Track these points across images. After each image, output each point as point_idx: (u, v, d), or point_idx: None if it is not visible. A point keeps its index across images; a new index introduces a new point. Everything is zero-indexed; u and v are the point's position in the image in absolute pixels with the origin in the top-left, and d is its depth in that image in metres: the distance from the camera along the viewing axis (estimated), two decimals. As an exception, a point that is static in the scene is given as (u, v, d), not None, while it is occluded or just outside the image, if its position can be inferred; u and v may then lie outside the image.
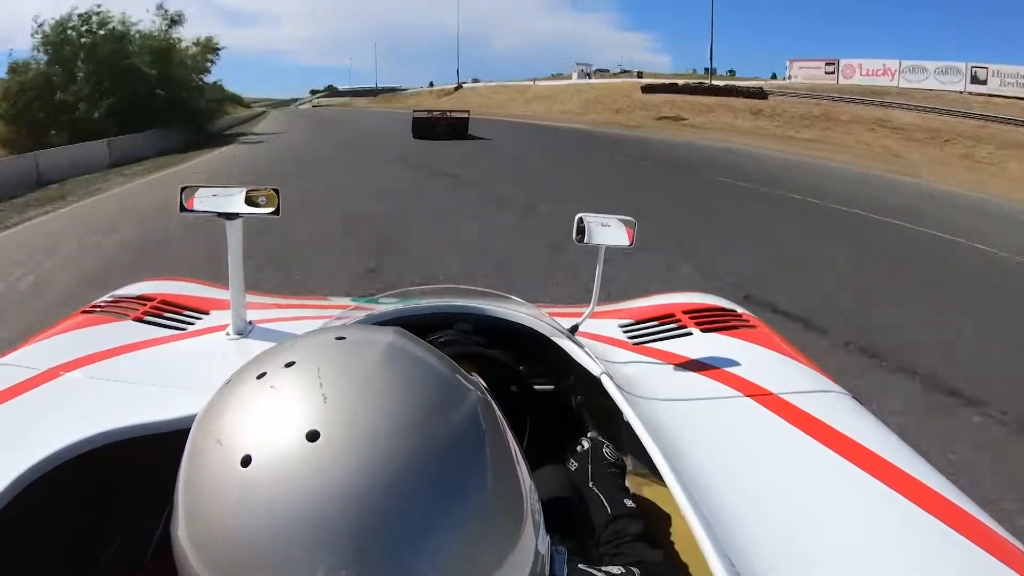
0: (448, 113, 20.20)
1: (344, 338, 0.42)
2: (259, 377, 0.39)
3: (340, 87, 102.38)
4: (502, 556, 0.39)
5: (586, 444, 0.85)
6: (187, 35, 24.54)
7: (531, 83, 42.69)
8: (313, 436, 0.35)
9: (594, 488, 0.78)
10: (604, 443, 0.85)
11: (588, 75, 43.73)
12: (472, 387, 0.43)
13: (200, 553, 0.36)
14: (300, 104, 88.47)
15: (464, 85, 50.97)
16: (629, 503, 0.75)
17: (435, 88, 55.91)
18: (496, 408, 0.45)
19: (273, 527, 0.34)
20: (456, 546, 0.36)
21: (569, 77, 44.12)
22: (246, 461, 0.35)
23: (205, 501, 0.36)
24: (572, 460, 0.84)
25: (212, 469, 0.37)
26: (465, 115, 19.36)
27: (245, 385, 0.39)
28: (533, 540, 0.42)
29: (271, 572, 0.34)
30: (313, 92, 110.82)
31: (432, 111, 21.01)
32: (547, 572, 0.45)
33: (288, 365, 0.39)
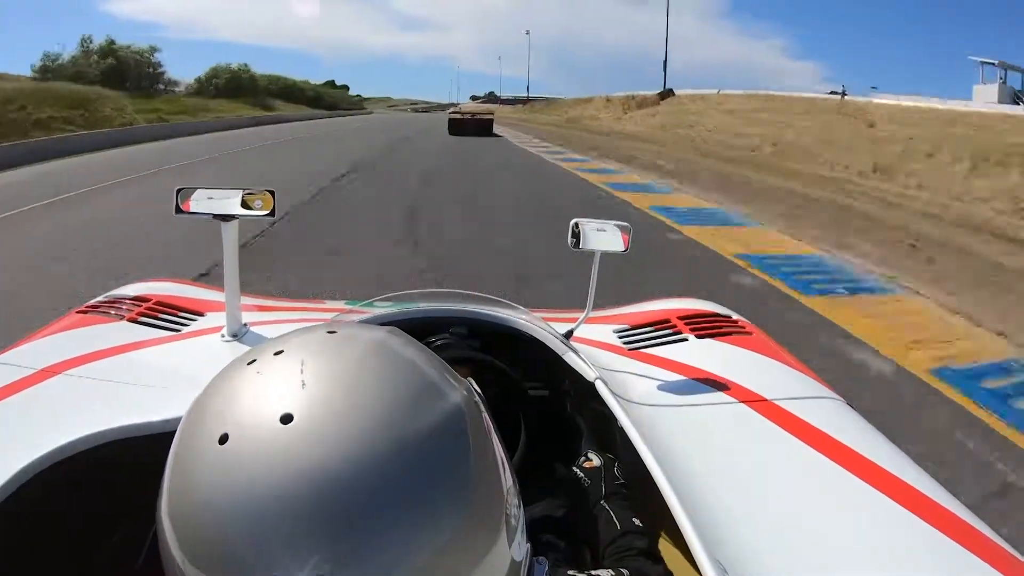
0: (475, 116, 24.77)
1: (335, 332, 0.43)
2: (249, 364, 0.41)
3: (500, 95, 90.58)
4: (471, 557, 0.39)
5: (597, 461, 0.83)
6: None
7: (840, 96, 17.83)
8: (287, 419, 0.36)
9: (605, 504, 0.78)
10: (615, 461, 0.84)
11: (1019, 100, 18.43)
12: (458, 387, 0.43)
13: (175, 527, 0.37)
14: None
15: (675, 92, 27.32)
16: (637, 522, 0.74)
17: (620, 96, 31.94)
18: (483, 412, 0.45)
19: (241, 503, 0.35)
20: (423, 540, 0.36)
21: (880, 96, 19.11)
22: (223, 439, 0.37)
23: (184, 477, 0.38)
24: (584, 476, 0.83)
25: (194, 446, 0.38)
26: (490, 117, 24.03)
27: (236, 371, 0.41)
28: (507, 546, 0.42)
29: (236, 547, 0.35)
30: (473, 98, 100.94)
31: (464, 113, 26.16)
32: None
33: (277, 354, 0.41)
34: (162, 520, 0.38)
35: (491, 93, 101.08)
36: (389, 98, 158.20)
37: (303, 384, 0.38)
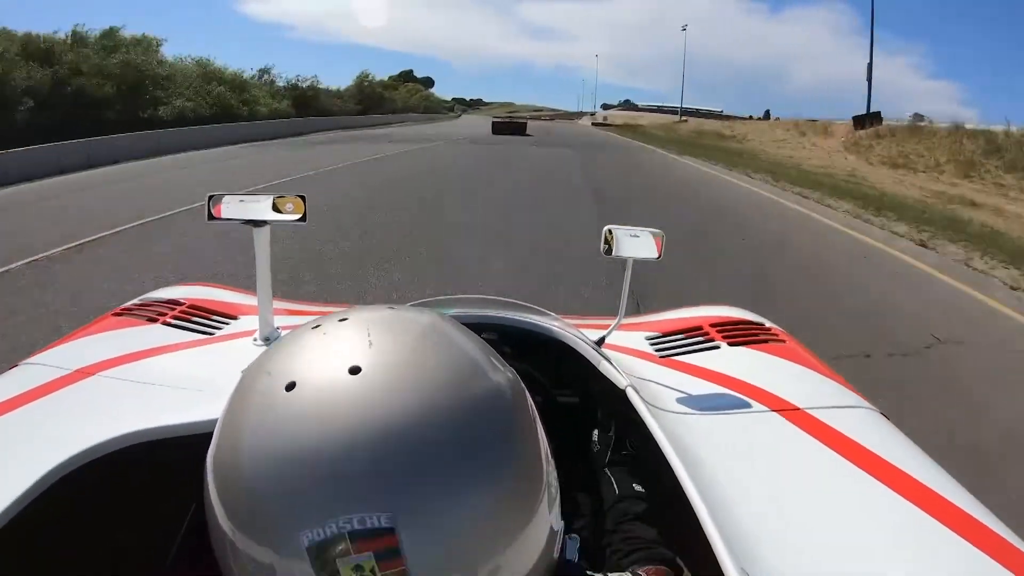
0: (512, 120, 34.17)
1: (394, 309, 0.47)
2: (315, 328, 0.44)
3: (639, 103, 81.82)
4: (519, 520, 0.41)
5: (612, 433, 0.90)
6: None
7: None
8: (355, 370, 0.39)
9: (606, 471, 0.83)
10: (629, 438, 0.88)
11: None
12: (505, 369, 0.47)
13: (219, 474, 0.39)
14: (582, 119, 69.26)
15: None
16: (637, 488, 0.78)
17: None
18: (527, 392, 0.48)
19: (308, 446, 0.37)
20: (479, 492, 0.39)
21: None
22: (291, 386, 0.39)
23: (244, 422, 0.39)
24: (595, 441, 0.90)
25: (257, 394, 0.40)
26: (524, 121, 32.45)
27: (302, 333, 0.44)
28: (548, 514, 0.44)
29: (295, 490, 0.36)
30: (605, 106, 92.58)
31: (503, 117, 36.76)
32: (557, 551, 0.47)
33: (342, 320, 0.44)
34: (209, 469, 0.39)
35: (627, 100, 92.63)
36: (511, 104, 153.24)
37: (370, 343, 0.40)
